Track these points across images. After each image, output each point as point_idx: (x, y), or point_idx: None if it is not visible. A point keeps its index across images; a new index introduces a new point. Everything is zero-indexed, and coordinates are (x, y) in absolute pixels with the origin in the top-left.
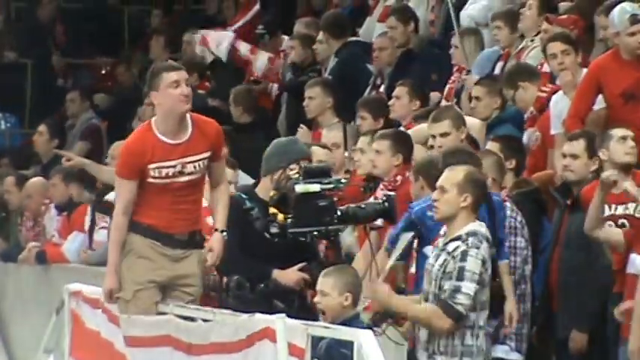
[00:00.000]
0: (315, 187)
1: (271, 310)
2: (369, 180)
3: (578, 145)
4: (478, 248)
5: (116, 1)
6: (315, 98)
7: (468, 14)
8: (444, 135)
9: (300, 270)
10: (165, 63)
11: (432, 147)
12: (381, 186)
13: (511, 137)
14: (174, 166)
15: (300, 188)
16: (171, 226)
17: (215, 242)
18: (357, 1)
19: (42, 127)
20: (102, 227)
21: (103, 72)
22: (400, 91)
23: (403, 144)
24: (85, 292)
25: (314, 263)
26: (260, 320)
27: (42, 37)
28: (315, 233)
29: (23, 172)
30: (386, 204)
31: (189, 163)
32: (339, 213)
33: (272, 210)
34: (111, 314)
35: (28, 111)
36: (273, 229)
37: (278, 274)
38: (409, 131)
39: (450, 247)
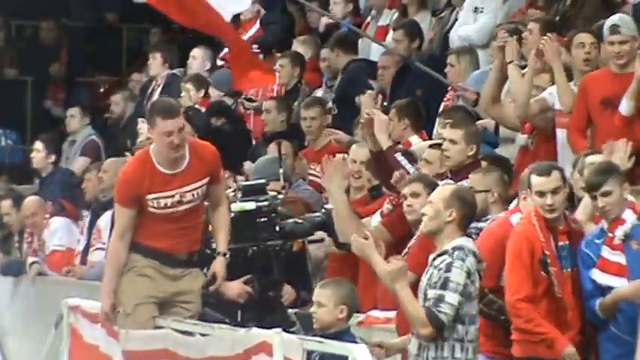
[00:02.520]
0: (251, 205)
1: (204, 319)
2: (372, 190)
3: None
4: (463, 260)
5: (115, 20)
6: (317, 118)
7: (460, 35)
8: (452, 142)
9: (245, 283)
10: (165, 105)
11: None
12: (387, 200)
13: (500, 157)
14: (172, 196)
15: (235, 207)
16: (171, 249)
17: (218, 266)
18: (356, 19)
19: (38, 144)
20: (97, 248)
21: (102, 90)
22: (392, 112)
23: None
24: (83, 306)
25: (257, 276)
26: (257, 335)
27: (42, 54)
28: (255, 249)
29: (23, 188)
30: (324, 216)
31: (188, 192)
32: (277, 229)
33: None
34: (110, 328)
35: (28, 127)
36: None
37: (222, 286)
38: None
39: (437, 261)
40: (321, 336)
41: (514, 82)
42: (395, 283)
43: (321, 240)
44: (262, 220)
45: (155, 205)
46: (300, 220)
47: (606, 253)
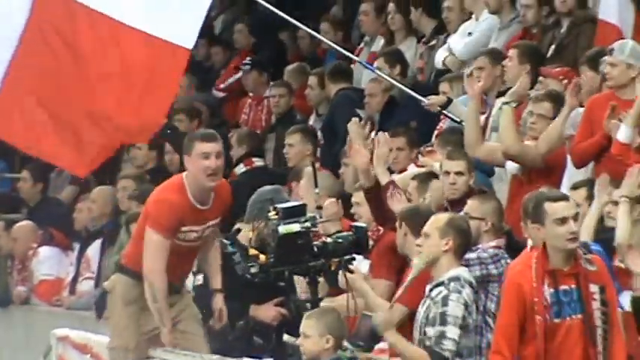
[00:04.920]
0: (296, 227)
1: (250, 347)
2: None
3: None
4: (460, 293)
5: None
6: (295, 146)
7: (454, 48)
8: (458, 174)
9: (277, 305)
10: (204, 132)
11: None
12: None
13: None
14: (197, 231)
15: (283, 230)
16: (173, 279)
17: (220, 303)
18: (347, 45)
19: (25, 174)
20: (86, 278)
21: None
22: (399, 142)
23: None
24: (72, 336)
25: (293, 297)
26: None
27: None
28: (296, 270)
29: (13, 217)
30: (356, 235)
31: (207, 228)
32: (315, 249)
33: (252, 252)
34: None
35: (17, 155)
36: (254, 269)
37: (255, 310)
38: (395, 177)
39: (434, 293)
40: None
41: (503, 123)
42: (385, 333)
43: (353, 258)
44: (301, 241)
45: (182, 237)
46: (340, 239)
47: None
